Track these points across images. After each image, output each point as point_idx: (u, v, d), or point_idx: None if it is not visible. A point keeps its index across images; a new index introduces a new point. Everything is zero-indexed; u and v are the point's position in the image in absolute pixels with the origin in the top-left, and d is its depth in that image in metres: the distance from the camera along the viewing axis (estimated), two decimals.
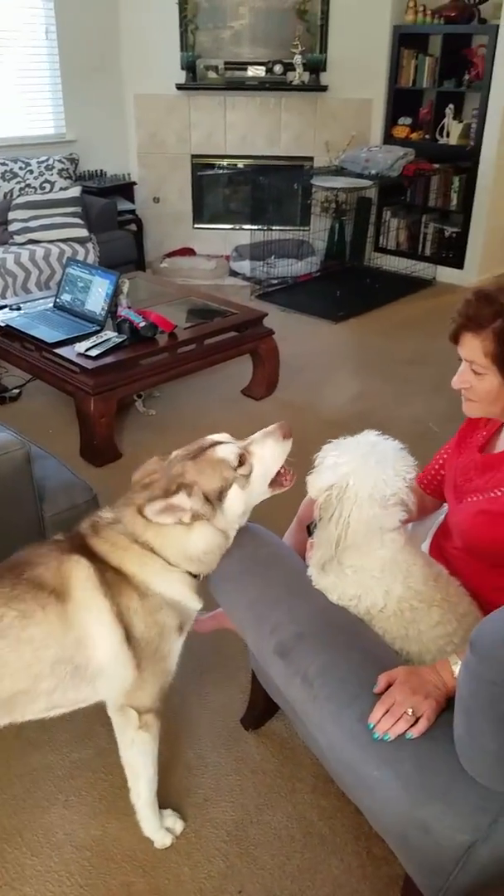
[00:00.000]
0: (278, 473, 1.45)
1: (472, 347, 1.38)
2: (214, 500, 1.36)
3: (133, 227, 5.36)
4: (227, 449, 1.40)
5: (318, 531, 1.42)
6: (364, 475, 1.34)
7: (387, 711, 1.18)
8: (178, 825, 1.67)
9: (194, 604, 1.46)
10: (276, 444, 1.43)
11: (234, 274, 5.61)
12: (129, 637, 1.38)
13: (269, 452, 1.43)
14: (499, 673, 0.97)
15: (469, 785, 1.09)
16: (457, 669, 1.21)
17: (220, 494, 1.37)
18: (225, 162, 5.75)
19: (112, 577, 1.37)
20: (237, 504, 1.39)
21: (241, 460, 1.39)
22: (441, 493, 1.65)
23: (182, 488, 1.33)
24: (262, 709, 1.90)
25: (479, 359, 1.38)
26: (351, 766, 1.22)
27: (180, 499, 1.33)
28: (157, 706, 1.49)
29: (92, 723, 1.92)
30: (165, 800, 1.71)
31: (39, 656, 1.32)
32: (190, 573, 1.41)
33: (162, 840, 1.63)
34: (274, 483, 1.46)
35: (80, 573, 1.36)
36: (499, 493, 1.40)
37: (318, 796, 1.75)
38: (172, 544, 1.38)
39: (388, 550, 1.39)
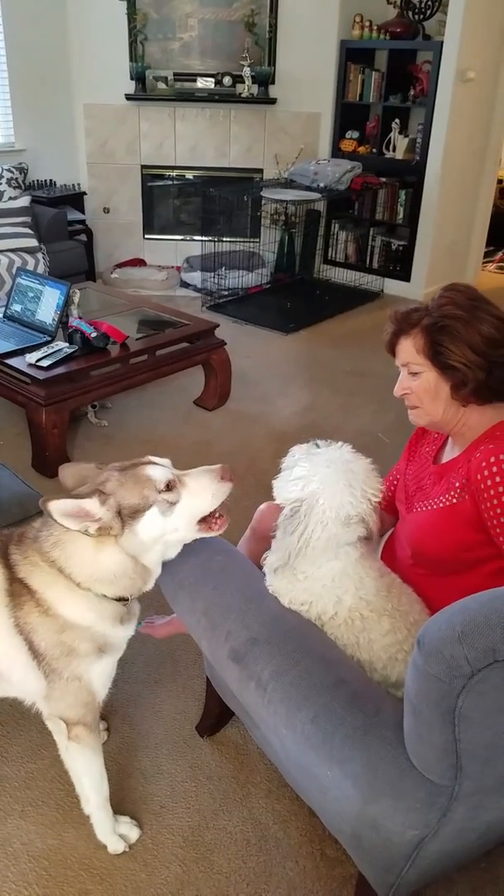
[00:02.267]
0: (211, 515, 1.39)
1: (406, 349, 1.48)
2: (127, 517, 1.29)
3: (83, 237, 5.33)
4: (157, 470, 1.34)
5: (277, 536, 1.44)
6: (334, 495, 1.35)
7: None
8: (134, 833, 1.68)
9: (110, 631, 1.40)
10: (210, 482, 1.36)
11: (185, 285, 5.63)
12: (32, 650, 1.37)
13: (201, 488, 1.35)
14: (443, 669, 1.01)
15: (418, 781, 1.13)
16: None
17: (135, 513, 1.29)
18: (175, 173, 5.77)
19: (17, 589, 1.36)
20: (152, 529, 1.32)
21: (170, 486, 1.33)
22: (396, 509, 1.71)
23: (96, 494, 1.28)
24: (216, 716, 1.92)
25: (413, 357, 1.46)
26: (304, 767, 1.26)
27: (91, 504, 1.26)
28: (88, 720, 1.48)
29: (46, 733, 1.89)
30: (122, 807, 1.72)
31: None
32: (108, 597, 1.37)
33: (115, 846, 1.64)
34: (204, 524, 1.39)
35: None
36: (446, 502, 1.47)
37: (272, 800, 1.78)
38: (78, 564, 1.33)
39: (341, 562, 1.42)
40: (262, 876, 1.62)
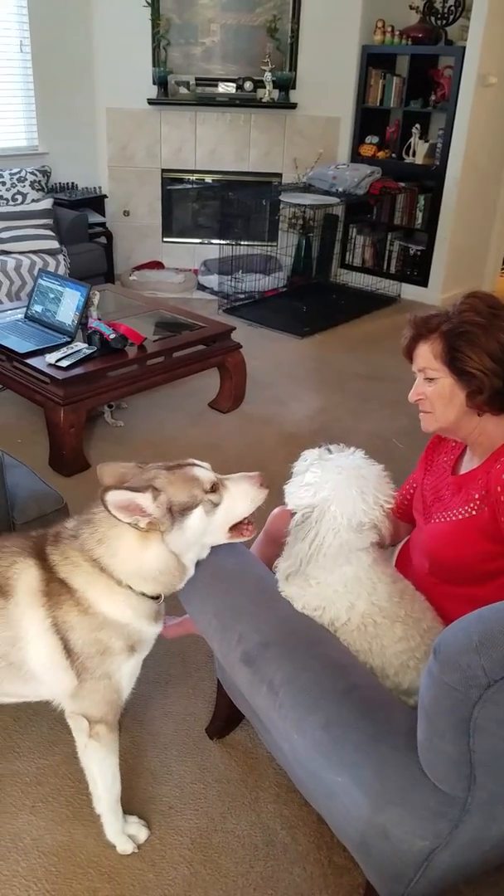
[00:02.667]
0: (242, 521, 1.43)
1: (424, 354, 1.48)
2: (177, 513, 1.33)
3: (103, 239, 5.37)
4: (203, 471, 1.39)
5: (288, 542, 1.44)
6: (345, 502, 1.35)
7: None
8: (143, 833, 1.69)
9: (145, 628, 1.44)
10: (250, 488, 1.41)
11: (202, 288, 5.65)
12: (66, 649, 1.39)
13: (241, 493, 1.40)
14: (460, 679, 1.01)
15: (429, 791, 1.12)
16: None
17: (184, 511, 1.33)
18: (194, 177, 5.80)
19: (56, 589, 1.38)
20: (197, 527, 1.36)
21: (214, 488, 1.37)
22: (412, 518, 1.71)
23: (149, 489, 1.30)
24: (226, 718, 1.92)
25: (430, 363, 1.46)
26: (314, 773, 1.25)
27: (145, 499, 1.29)
28: (109, 719, 1.50)
29: (59, 730, 1.93)
30: (130, 807, 1.73)
31: None
32: (147, 595, 1.40)
33: (123, 846, 1.65)
34: (235, 530, 1.43)
35: (25, 578, 1.39)
36: (465, 513, 1.46)
37: (280, 805, 1.78)
38: (123, 561, 1.36)
39: (353, 568, 1.42)
40: (269, 881, 1.62)
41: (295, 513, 1.43)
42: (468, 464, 1.55)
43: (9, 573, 1.40)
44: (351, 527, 1.36)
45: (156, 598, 1.42)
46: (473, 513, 1.44)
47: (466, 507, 1.46)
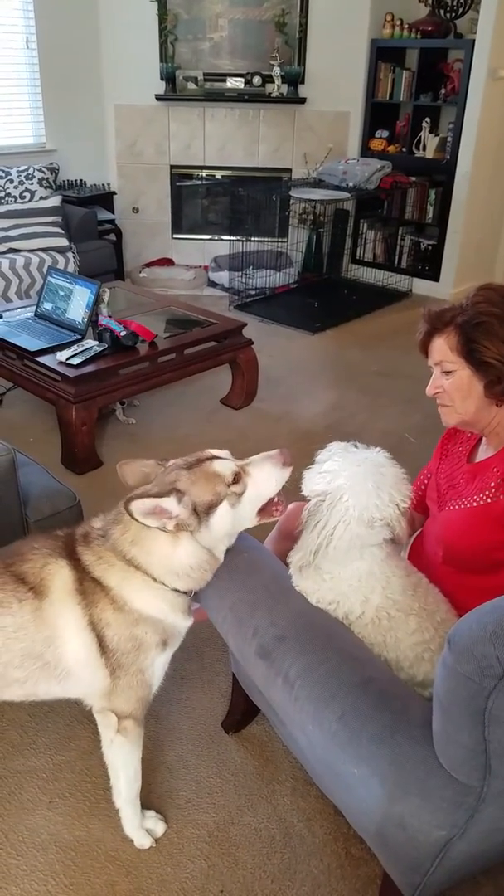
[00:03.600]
0: (270, 501, 1.41)
1: (439, 347, 1.48)
2: (202, 513, 1.34)
3: (112, 236, 5.38)
4: (223, 464, 1.38)
5: (302, 533, 1.45)
6: (359, 495, 1.35)
7: None
8: (160, 827, 1.70)
9: (179, 622, 1.46)
10: (273, 469, 1.39)
11: (212, 284, 5.65)
12: (102, 646, 1.40)
13: (264, 476, 1.39)
14: (475, 669, 1.01)
15: (446, 781, 1.13)
16: None
17: (209, 509, 1.34)
18: (203, 173, 5.80)
19: (90, 587, 1.40)
20: (224, 521, 1.37)
21: (236, 478, 1.36)
22: (426, 508, 1.71)
23: (174, 493, 1.32)
24: (242, 712, 1.93)
25: (447, 356, 1.47)
26: (330, 764, 1.26)
27: (170, 503, 1.31)
28: (138, 714, 1.51)
29: (74, 726, 1.94)
30: (148, 801, 1.74)
31: (10, 646, 1.38)
32: (178, 590, 1.42)
33: (141, 840, 1.66)
34: (263, 511, 1.42)
35: (60, 578, 1.41)
36: (480, 501, 1.46)
37: (297, 798, 1.79)
38: (157, 560, 1.38)
39: (366, 563, 1.42)
40: (287, 873, 1.63)
41: (309, 500, 1.44)
42: (484, 452, 1.56)
43: (42, 574, 1.41)
44: (362, 521, 1.36)
45: (187, 592, 1.44)
46: (489, 500, 1.44)
47: (482, 495, 1.46)
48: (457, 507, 1.52)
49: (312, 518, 1.40)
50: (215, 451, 1.42)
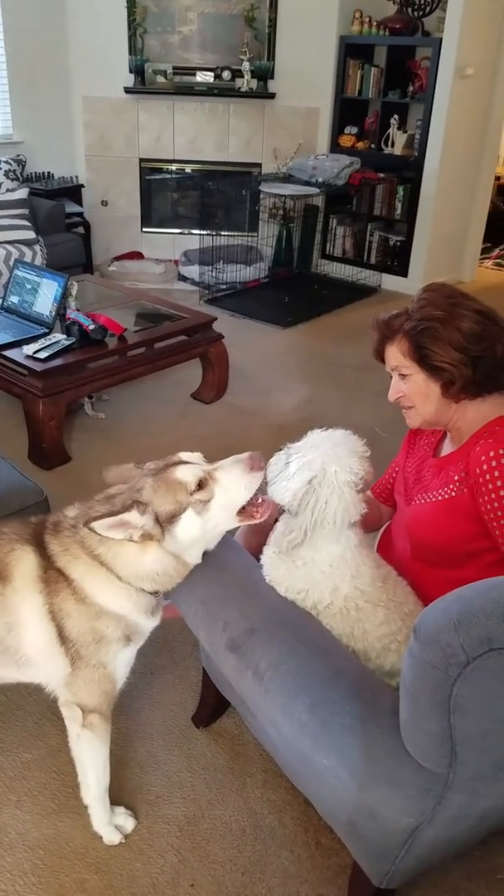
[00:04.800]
0: (250, 503, 1.38)
1: (393, 354, 1.51)
2: (165, 522, 1.32)
3: (81, 229, 5.32)
4: (187, 471, 1.34)
5: (290, 519, 1.43)
6: (341, 460, 1.38)
7: None
8: (130, 823, 1.69)
9: (142, 621, 1.45)
10: (241, 474, 1.35)
11: (182, 278, 5.63)
12: (62, 636, 1.40)
13: (233, 481, 1.34)
14: (440, 657, 1.02)
15: (414, 769, 1.14)
16: None
17: (172, 518, 1.32)
18: (173, 166, 5.77)
19: (53, 576, 1.39)
20: (191, 529, 1.34)
21: (201, 485, 1.32)
22: (394, 502, 1.72)
23: (136, 506, 1.31)
24: (212, 706, 1.93)
25: (401, 361, 1.49)
26: (301, 755, 1.26)
27: (132, 516, 1.30)
28: (103, 709, 1.50)
29: (42, 723, 1.92)
30: (118, 797, 1.73)
31: None
32: (143, 590, 1.41)
33: (110, 837, 1.65)
34: (243, 513, 1.38)
35: (23, 565, 1.40)
36: (445, 494, 1.48)
37: (267, 790, 1.79)
38: (124, 563, 1.37)
39: (340, 546, 1.43)
40: (258, 865, 1.63)
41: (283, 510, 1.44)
42: (448, 446, 1.57)
43: (7, 559, 1.41)
44: (350, 485, 1.38)
45: (154, 593, 1.43)
46: (453, 494, 1.45)
47: (447, 489, 1.47)
48: (423, 500, 1.54)
49: (304, 500, 1.39)
50: (185, 455, 1.38)
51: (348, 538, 1.44)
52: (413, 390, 1.49)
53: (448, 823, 1.17)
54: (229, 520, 1.38)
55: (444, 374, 1.43)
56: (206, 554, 1.45)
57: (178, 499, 1.32)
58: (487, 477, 1.37)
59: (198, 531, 1.35)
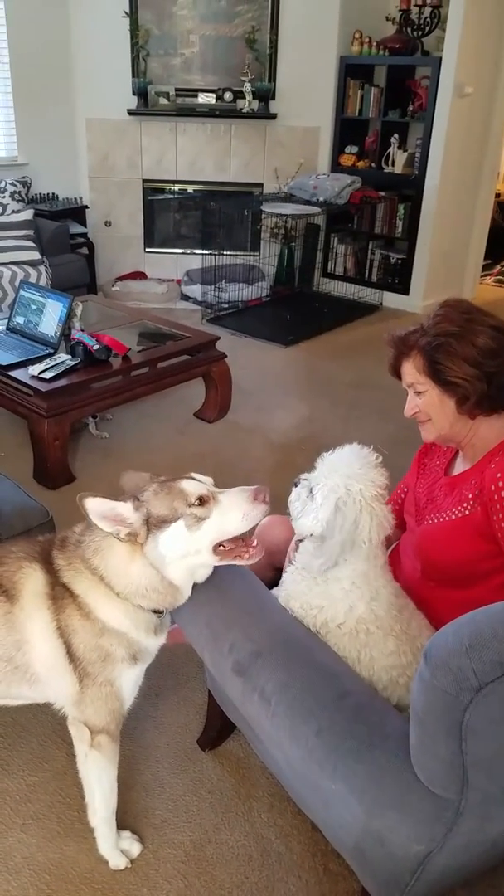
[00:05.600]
0: (244, 542, 1.36)
1: (408, 370, 1.51)
2: (154, 525, 1.30)
3: (85, 250, 5.36)
4: (192, 484, 1.33)
5: (319, 543, 1.43)
6: (362, 478, 1.39)
7: None
8: (136, 848, 1.67)
9: (144, 639, 1.43)
10: (243, 502, 1.32)
11: (185, 298, 5.66)
12: (69, 653, 1.40)
13: (233, 507, 1.32)
14: (451, 683, 1.01)
15: (423, 795, 1.13)
16: None
17: (162, 523, 1.30)
18: (176, 187, 5.81)
19: (60, 592, 1.39)
20: (175, 541, 1.31)
21: (202, 501, 1.31)
22: (403, 524, 1.72)
23: (132, 500, 1.31)
24: (218, 729, 1.91)
25: (417, 377, 1.49)
26: (308, 781, 1.25)
27: (124, 507, 1.29)
28: (111, 729, 1.50)
29: (48, 746, 1.91)
30: (123, 821, 1.71)
31: None
32: (141, 606, 1.39)
33: (116, 861, 1.63)
34: (231, 552, 1.36)
35: (31, 582, 1.40)
36: (458, 513, 1.47)
37: (274, 815, 1.77)
38: (114, 573, 1.36)
39: (366, 564, 1.43)
40: (265, 891, 1.61)
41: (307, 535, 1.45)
42: (461, 465, 1.57)
43: (15, 577, 1.41)
44: (378, 498, 1.39)
45: (156, 611, 1.42)
46: (467, 513, 1.45)
47: (460, 508, 1.47)
48: (436, 520, 1.53)
49: (332, 523, 1.39)
50: (197, 475, 1.38)
51: (375, 556, 1.44)
52: (428, 405, 1.49)
53: (460, 850, 1.15)
54: (209, 549, 1.33)
55: (458, 390, 1.43)
56: (194, 584, 1.43)
57: (175, 506, 1.30)
58: (502, 495, 1.37)
59: (182, 546, 1.32)
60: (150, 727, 1.99)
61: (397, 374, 1.56)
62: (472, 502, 1.45)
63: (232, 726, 1.91)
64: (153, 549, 1.32)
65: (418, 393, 1.50)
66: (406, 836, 1.14)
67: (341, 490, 1.39)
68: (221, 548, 1.35)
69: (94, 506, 1.27)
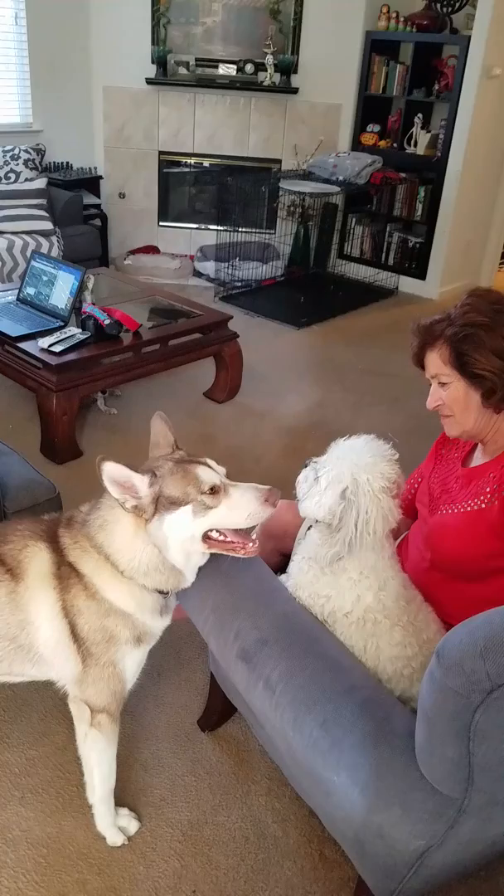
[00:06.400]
0: (241, 538, 1.37)
1: (433, 361, 1.47)
2: (163, 505, 1.29)
3: (98, 221, 5.31)
4: (208, 472, 1.33)
5: (328, 532, 1.41)
6: (372, 467, 1.37)
7: None
8: (133, 825, 1.68)
9: (149, 620, 1.43)
10: (253, 500, 1.32)
11: (197, 274, 5.60)
12: (74, 633, 1.39)
13: (242, 503, 1.32)
14: (463, 683, 1.00)
15: (427, 792, 1.12)
16: None
17: (172, 505, 1.30)
18: (192, 160, 5.73)
19: (66, 573, 1.38)
20: (181, 526, 1.31)
21: (213, 490, 1.31)
22: (414, 513, 1.70)
23: (150, 474, 1.29)
24: (219, 711, 1.91)
25: (441, 369, 1.45)
26: (310, 771, 1.25)
27: (141, 480, 1.28)
28: (112, 709, 1.50)
29: (49, 720, 1.92)
30: (121, 798, 1.72)
31: None
32: (146, 587, 1.39)
33: (113, 838, 1.65)
34: (227, 545, 1.37)
35: (37, 561, 1.40)
36: (474, 506, 1.45)
37: (272, 799, 1.78)
38: (118, 550, 1.35)
39: (374, 555, 1.41)
40: (260, 874, 1.62)
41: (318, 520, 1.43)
42: (480, 457, 1.54)
43: (21, 556, 1.40)
44: (386, 490, 1.37)
45: (161, 592, 1.41)
46: (483, 506, 1.43)
47: (475, 501, 1.45)
48: (449, 511, 1.51)
49: (344, 513, 1.37)
50: (211, 462, 1.37)
51: (384, 547, 1.42)
52: (452, 399, 1.46)
53: (459, 847, 1.15)
54: (200, 542, 1.35)
55: (484, 383, 1.40)
56: (216, 557, 1.43)
57: (188, 490, 1.30)
58: None
59: (186, 532, 1.32)
60: (150, 706, 1.99)
61: (421, 364, 1.51)
62: (489, 496, 1.42)
63: (232, 709, 1.91)
64: (157, 529, 1.31)
65: (442, 385, 1.47)
66: (407, 832, 1.13)
67: (348, 479, 1.37)
68: (214, 536, 1.36)
69: (111, 469, 1.26)
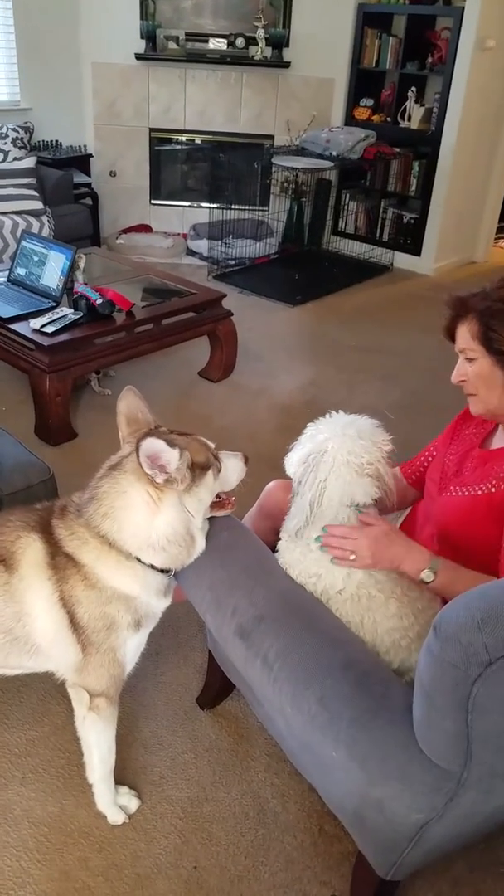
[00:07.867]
0: (226, 495, 1.48)
1: (462, 334, 1.45)
2: (198, 471, 1.34)
3: (89, 200, 5.24)
4: (206, 441, 1.42)
5: (294, 500, 1.44)
6: (342, 441, 1.38)
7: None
8: (133, 803, 1.69)
9: (154, 602, 1.43)
10: (238, 463, 1.46)
11: (191, 253, 5.55)
12: (73, 623, 1.38)
13: (233, 464, 1.45)
14: (461, 657, 1.00)
15: (426, 766, 1.12)
16: (424, 576, 1.34)
17: (202, 469, 1.35)
18: (183, 137, 5.66)
19: (62, 563, 1.37)
20: (209, 490, 1.38)
21: (216, 456, 1.41)
22: (422, 486, 1.68)
23: (178, 449, 1.29)
24: (217, 689, 1.92)
25: (469, 343, 1.43)
26: (308, 746, 1.25)
27: (173, 455, 1.27)
28: (111, 693, 1.50)
29: (48, 701, 1.92)
30: (122, 777, 1.73)
31: None
32: (155, 568, 1.39)
33: (114, 817, 1.65)
34: (217, 505, 1.47)
35: (31, 553, 1.38)
36: (482, 490, 1.44)
37: (271, 775, 1.79)
38: (131, 533, 1.34)
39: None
40: (261, 849, 1.63)
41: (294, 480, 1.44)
42: (500, 440, 1.52)
43: (13, 547, 1.38)
44: (350, 466, 1.37)
45: (165, 571, 1.41)
46: (492, 490, 1.41)
47: (486, 484, 1.44)
48: (457, 493, 1.50)
49: (303, 478, 1.39)
50: (201, 438, 1.44)
51: (348, 518, 1.42)
52: (477, 375, 1.44)
53: (459, 820, 1.15)
54: (209, 502, 1.43)
55: None
56: (213, 535, 1.45)
57: (208, 455, 1.39)
58: None
59: (211, 494, 1.40)
60: (149, 685, 2.00)
61: (451, 336, 1.49)
62: (498, 481, 1.41)
63: (231, 686, 1.91)
64: (194, 496, 1.35)
65: (469, 360, 1.44)
66: (406, 806, 1.14)
67: (318, 444, 1.39)
68: (217, 499, 1.46)
69: (150, 445, 1.26)
